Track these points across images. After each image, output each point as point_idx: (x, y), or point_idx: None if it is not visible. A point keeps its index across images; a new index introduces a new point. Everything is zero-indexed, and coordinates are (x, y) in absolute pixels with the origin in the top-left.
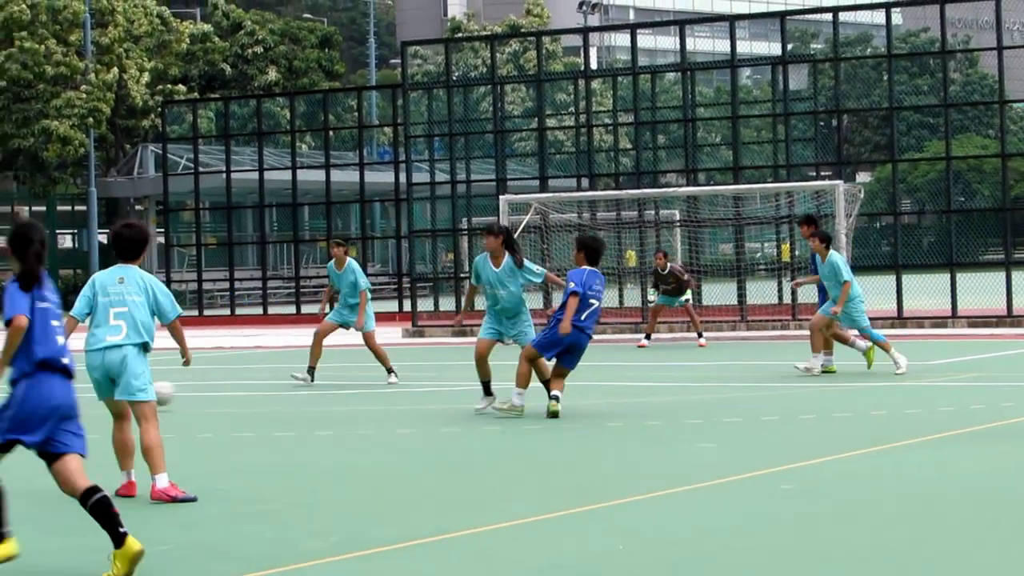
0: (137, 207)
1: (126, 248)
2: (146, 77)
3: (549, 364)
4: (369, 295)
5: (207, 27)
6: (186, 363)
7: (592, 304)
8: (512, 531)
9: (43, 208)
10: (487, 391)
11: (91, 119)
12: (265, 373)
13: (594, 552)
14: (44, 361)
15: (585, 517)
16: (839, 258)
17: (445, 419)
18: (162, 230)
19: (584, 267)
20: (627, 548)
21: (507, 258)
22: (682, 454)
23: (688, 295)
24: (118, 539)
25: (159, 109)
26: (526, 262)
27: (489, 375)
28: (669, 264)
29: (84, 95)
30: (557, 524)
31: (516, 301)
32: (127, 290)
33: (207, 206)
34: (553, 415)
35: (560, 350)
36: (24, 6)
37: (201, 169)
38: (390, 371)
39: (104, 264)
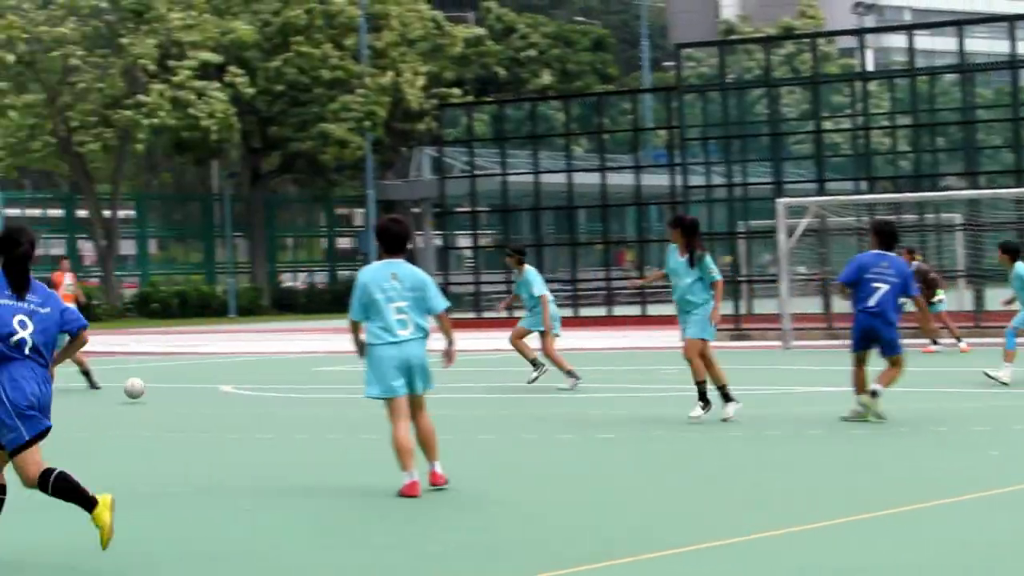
0: (413, 209)
1: (393, 242)
2: (421, 81)
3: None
4: (551, 298)
5: (481, 31)
6: (448, 357)
7: (877, 288)
8: (790, 538)
9: (321, 211)
10: (702, 397)
11: (368, 122)
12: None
13: (882, 561)
14: None
15: (864, 525)
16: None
17: (717, 424)
18: (439, 232)
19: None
20: (918, 557)
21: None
22: (969, 460)
23: (941, 296)
24: (89, 503)
25: (434, 112)
26: (706, 259)
27: (702, 375)
28: (915, 262)
29: (360, 99)
30: (839, 531)
31: (688, 293)
32: (402, 286)
33: (483, 209)
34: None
35: (859, 338)
36: (301, 11)
37: (477, 172)
38: (569, 373)
39: None
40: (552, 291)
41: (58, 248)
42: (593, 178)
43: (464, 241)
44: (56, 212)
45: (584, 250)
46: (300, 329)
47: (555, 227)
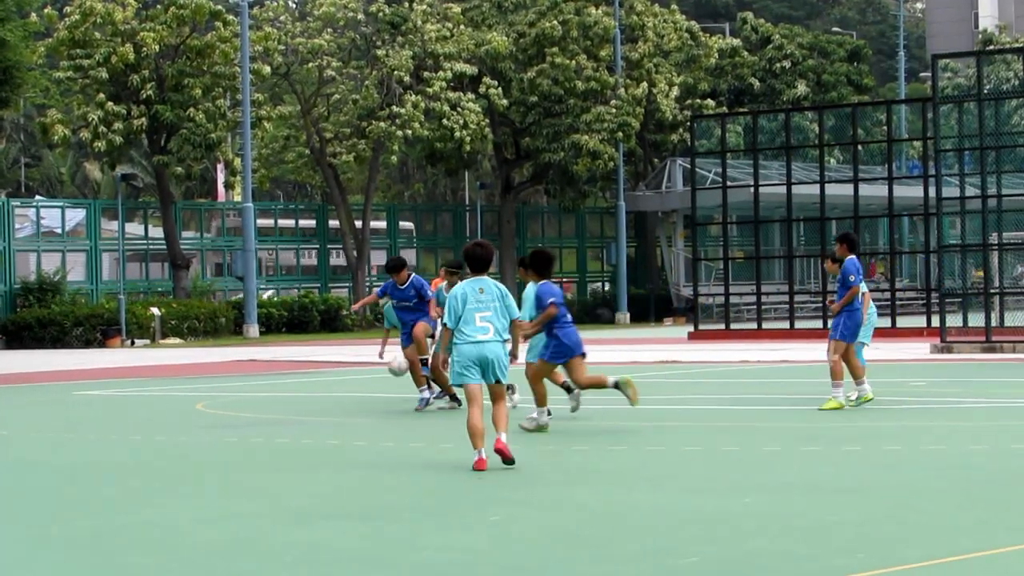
0: (665, 220)
1: (479, 264)
2: (675, 91)
3: None
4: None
5: (736, 42)
6: (512, 357)
7: None
8: None
9: (572, 221)
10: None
11: (620, 133)
12: (797, 387)
13: None
14: None
15: None
16: None
17: (970, 436)
18: (689, 244)
19: None
20: None
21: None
22: None
23: None
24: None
25: (688, 123)
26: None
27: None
28: None
29: (614, 110)
30: None
31: None
32: (488, 298)
33: (734, 220)
34: None
35: None
36: (556, 23)
37: (729, 183)
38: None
39: (631, 275)
40: (800, 303)
41: (309, 259)
42: (846, 189)
43: (715, 252)
44: (308, 223)
45: None
46: None
47: (807, 239)
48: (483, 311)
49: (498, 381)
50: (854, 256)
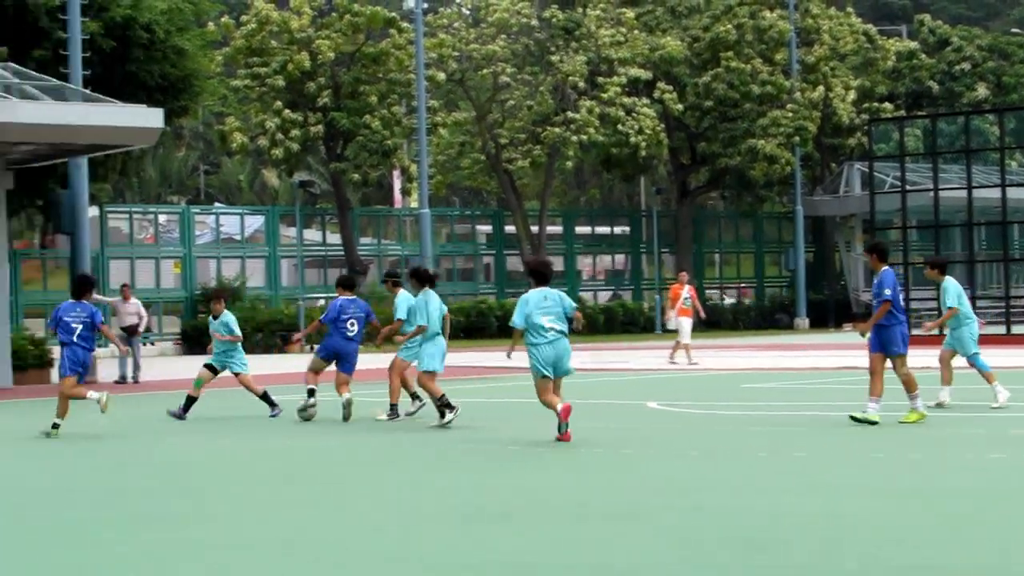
0: (843, 225)
1: (542, 277)
2: (852, 95)
3: None
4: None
5: (913, 44)
6: (578, 321)
7: None
8: None
9: (749, 226)
10: None
11: (797, 138)
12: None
13: None
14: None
15: None
16: None
17: None
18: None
19: None
20: None
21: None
22: None
23: None
24: None
25: (865, 127)
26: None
27: None
28: None
29: (790, 114)
30: None
31: None
32: (550, 304)
33: (914, 224)
34: None
35: None
36: (730, 27)
37: (908, 187)
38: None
39: (809, 280)
40: (980, 309)
41: (486, 264)
42: None
43: (895, 257)
44: (485, 228)
45: (1017, 266)
46: (726, 346)
47: (988, 243)
48: (548, 315)
49: (564, 374)
50: (889, 267)
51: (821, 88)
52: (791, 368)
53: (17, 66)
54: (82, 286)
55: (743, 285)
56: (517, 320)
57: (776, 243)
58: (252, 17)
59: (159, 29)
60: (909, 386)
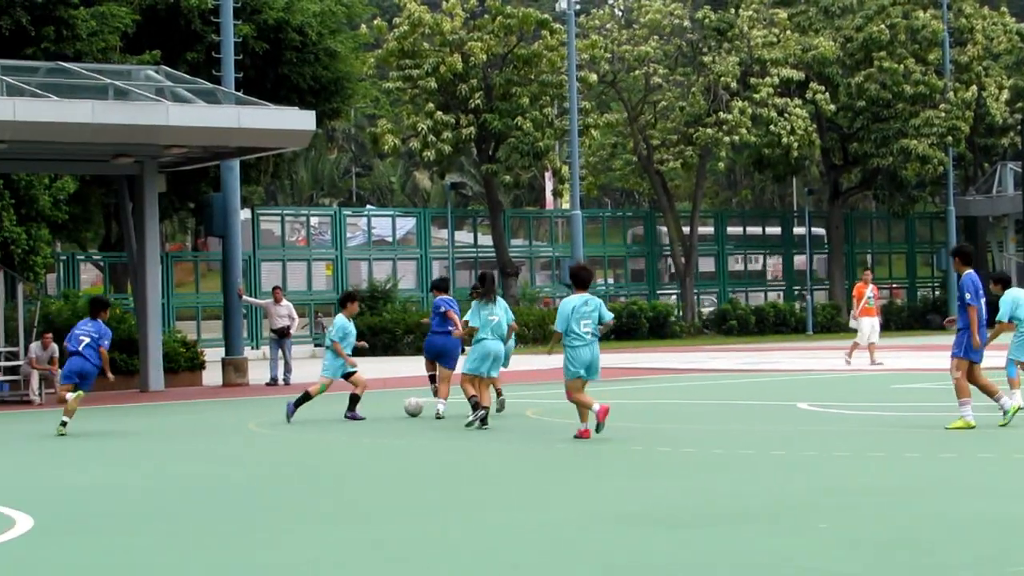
0: (996, 225)
1: (580, 282)
2: (1005, 95)
3: None
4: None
5: None
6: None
7: None
8: None
9: (901, 227)
10: None
11: (950, 138)
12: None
13: None
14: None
15: None
16: None
17: None
18: (1022, 249)
19: None
20: None
21: None
22: None
23: None
24: None
25: (1019, 127)
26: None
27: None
28: None
29: (943, 114)
30: None
31: None
32: (589, 310)
33: None
34: None
35: None
36: (883, 27)
37: None
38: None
39: None
40: None
41: (637, 265)
42: None
43: None
44: (636, 230)
45: None
46: (878, 347)
47: None
48: (585, 319)
49: (594, 377)
50: (972, 271)
51: (974, 88)
52: (942, 369)
53: (169, 69)
54: (96, 306)
55: (895, 286)
56: (559, 325)
57: (928, 243)
58: (404, 19)
59: (311, 31)
60: (958, 392)
